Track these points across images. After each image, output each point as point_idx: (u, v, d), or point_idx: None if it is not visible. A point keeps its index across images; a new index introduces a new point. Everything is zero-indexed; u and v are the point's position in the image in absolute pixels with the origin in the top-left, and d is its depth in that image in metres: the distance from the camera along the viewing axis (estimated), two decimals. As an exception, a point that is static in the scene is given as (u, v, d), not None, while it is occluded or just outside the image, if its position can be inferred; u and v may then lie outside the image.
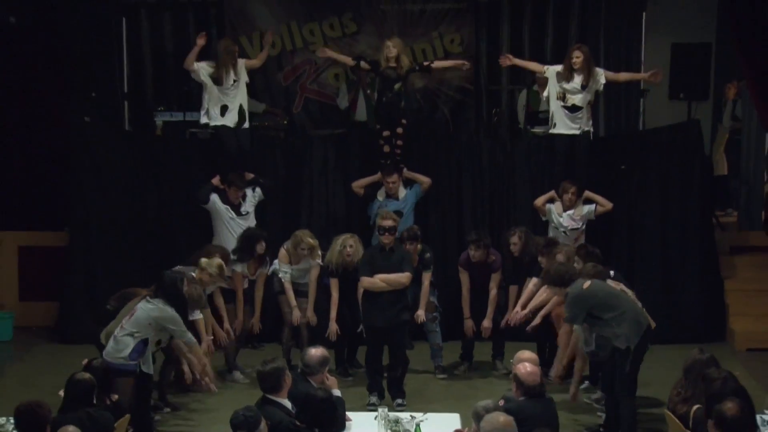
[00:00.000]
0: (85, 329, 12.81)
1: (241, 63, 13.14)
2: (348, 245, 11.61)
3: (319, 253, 11.85)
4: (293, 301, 11.86)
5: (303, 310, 11.88)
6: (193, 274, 10.71)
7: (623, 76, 13.47)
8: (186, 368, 10.14)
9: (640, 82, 14.56)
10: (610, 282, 10.07)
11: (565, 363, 10.44)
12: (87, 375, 7.99)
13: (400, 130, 13.06)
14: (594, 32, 15.19)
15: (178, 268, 11.01)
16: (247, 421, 7.08)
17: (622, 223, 13.52)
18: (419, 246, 11.65)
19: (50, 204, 14.26)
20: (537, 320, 11.37)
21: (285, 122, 15.29)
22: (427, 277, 11.70)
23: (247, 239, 11.88)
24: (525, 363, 7.82)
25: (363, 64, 13.40)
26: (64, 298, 13.69)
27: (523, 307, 11.54)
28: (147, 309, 9.53)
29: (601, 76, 12.87)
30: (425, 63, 13.71)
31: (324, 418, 7.63)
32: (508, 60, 13.36)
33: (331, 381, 8.53)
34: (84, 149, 13.54)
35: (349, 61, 13.70)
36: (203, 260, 10.88)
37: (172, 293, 9.72)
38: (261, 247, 11.77)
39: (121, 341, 9.37)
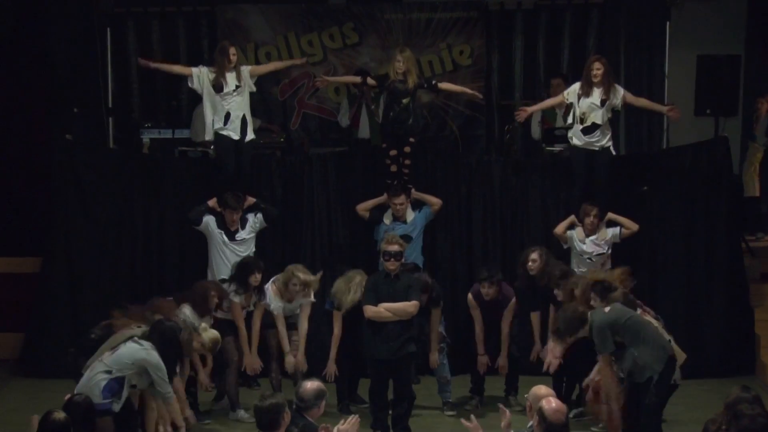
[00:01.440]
0: (56, 363, 12.86)
1: (245, 69, 13.04)
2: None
3: (315, 286, 11.78)
4: (286, 347, 11.78)
5: (293, 342, 11.85)
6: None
7: (642, 102, 13.43)
8: (150, 416, 10.18)
9: (664, 96, 14.59)
10: (639, 311, 10.15)
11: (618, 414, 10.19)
12: (62, 414, 7.95)
13: (408, 149, 13.01)
14: (614, 44, 15.23)
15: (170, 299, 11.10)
16: None
17: (643, 249, 13.46)
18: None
19: (24, 227, 14.25)
20: (556, 362, 11.33)
21: (282, 140, 15.32)
22: (436, 315, 11.70)
23: (240, 269, 11.86)
24: (551, 398, 7.72)
25: (369, 80, 13.39)
26: (32, 328, 13.61)
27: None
28: (133, 349, 9.51)
29: (621, 93, 12.89)
30: (433, 82, 13.66)
31: None
32: (524, 112, 13.34)
33: (348, 425, 8.13)
34: (66, 168, 13.51)
35: (355, 80, 13.71)
36: (203, 325, 10.93)
37: (168, 343, 9.73)
38: (255, 279, 11.70)
39: (94, 378, 9.36)
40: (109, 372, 9.36)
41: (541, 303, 11.88)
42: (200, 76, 12.86)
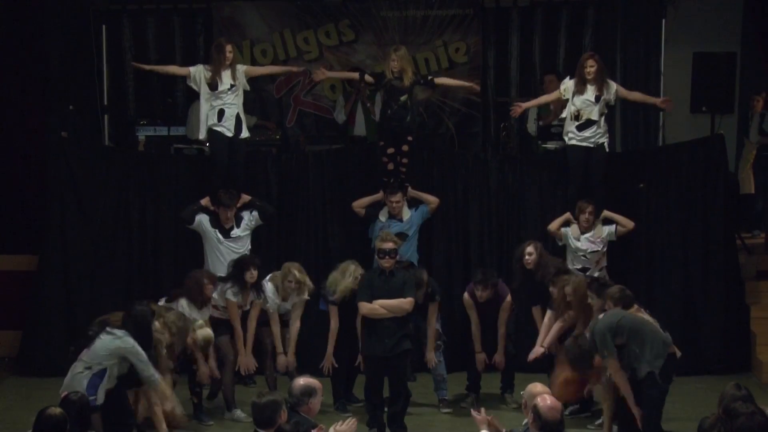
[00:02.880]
0: (53, 360, 12.86)
1: (241, 69, 12.99)
2: (360, 275, 11.57)
3: (309, 287, 11.79)
4: (280, 347, 11.79)
5: (287, 339, 11.85)
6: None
7: (635, 95, 13.42)
8: (141, 405, 10.20)
9: (660, 93, 14.59)
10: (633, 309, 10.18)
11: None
12: (58, 410, 7.92)
13: (405, 147, 13.01)
14: (610, 41, 15.22)
15: (162, 302, 11.15)
16: None
17: (639, 246, 13.45)
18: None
19: (20, 225, 14.23)
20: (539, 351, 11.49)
21: (277, 137, 15.30)
22: (433, 311, 11.70)
23: (236, 266, 11.85)
24: (546, 396, 7.71)
25: (367, 77, 13.35)
26: (28, 326, 13.61)
27: (542, 344, 11.58)
28: (106, 341, 9.59)
29: (614, 88, 12.91)
30: (429, 77, 13.61)
31: None
32: (519, 108, 13.35)
33: (344, 427, 8.22)
34: (61, 166, 13.49)
35: (353, 75, 13.67)
36: (199, 322, 10.95)
37: (140, 327, 9.75)
38: (251, 276, 11.69)
39: (76, 376, 9.46)
40: (89, 368, 9.45)
41: (541, 297, 11.85)
42: (197, 74, 12.84)
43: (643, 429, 9.77)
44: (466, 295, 12.02)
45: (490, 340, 12.02)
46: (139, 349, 9.64)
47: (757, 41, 14.39)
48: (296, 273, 11.68)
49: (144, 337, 9.80)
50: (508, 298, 11.96)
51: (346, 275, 11.54)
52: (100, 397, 9.58)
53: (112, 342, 9.52)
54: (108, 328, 9.65)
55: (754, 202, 15.76)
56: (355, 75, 13.58)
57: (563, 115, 13.10)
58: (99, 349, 9.53)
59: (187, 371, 11.48)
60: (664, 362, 9.71)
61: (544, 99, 13.56)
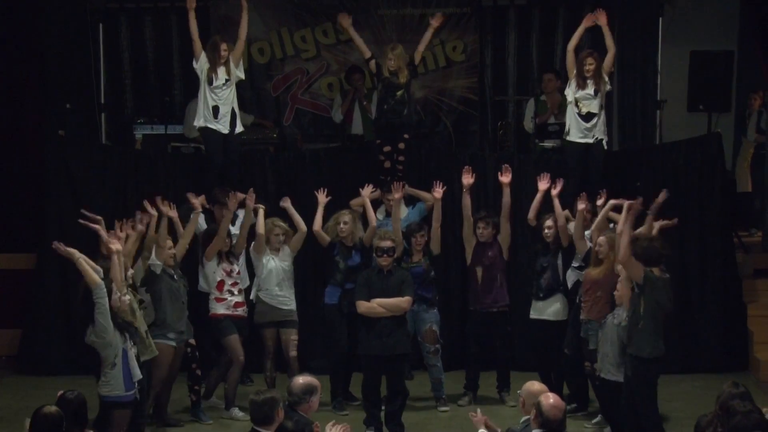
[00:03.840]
0: (53, 359, 12.86)
1: (232, 62, 12.98)
2: (342, 221, 11.80)
3: (299, 229, 11.96)
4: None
5: (290, 341, 11.87)
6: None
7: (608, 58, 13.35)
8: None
9: (657, 92, 14.63)
10: None
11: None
12: (54, 408, 7.89)
13: (402, 145, 13.08)
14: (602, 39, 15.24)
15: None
16: None
17: (637, 244, 13.49)
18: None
19: (19, 224, 14.23)
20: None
21: (274, 135, 15.28)
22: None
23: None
24: (549, 394, 7.74)
25: (372, 64, 13.35)
26: (27, 325, 13.64)
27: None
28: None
29: (606, 78, 13.03)
30: (415, 65, 13.46)
31: None
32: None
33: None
34: (59, 164, 13.51)
35: (366, 51, 13.55)
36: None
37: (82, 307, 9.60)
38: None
39: (109, 374, 9.33)
40: (112, 366, 9.31)
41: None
42: (201, 64, 12.93)
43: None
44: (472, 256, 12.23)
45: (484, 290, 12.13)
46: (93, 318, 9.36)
47: (754, 40, 14.40)
48: (281, 223, 11.92)
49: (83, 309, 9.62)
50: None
51: (330, 222, 11.91)
52: (136, 373, 9.52)
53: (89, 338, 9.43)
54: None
55: (752, 200, 15.77)
56: (368, 53, 13.47)
57: (565, 120, 13.16)
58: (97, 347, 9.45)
59: (186, 369, 11.51)
60: (656, 356, 9.69)
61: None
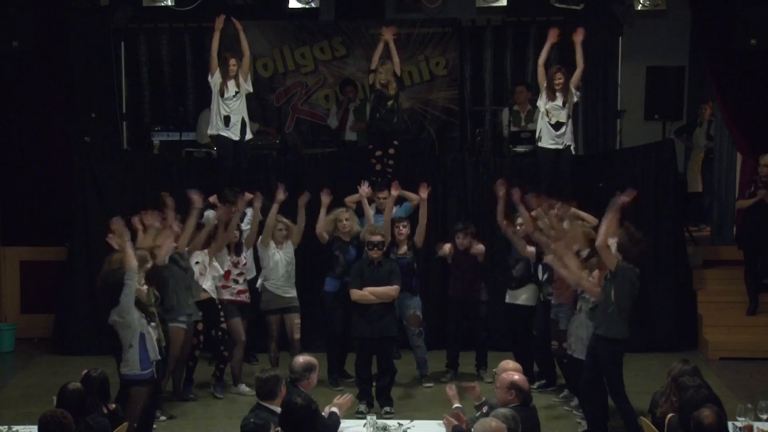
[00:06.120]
0: (82, 341, 12.88)
1: (241, 76, 13.04)
2: (344, 218, 11.83)
3: (299, 225, 11.94)
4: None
5: (294, 324, 11.87)
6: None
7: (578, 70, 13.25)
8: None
9: (617, 103, 14.69)
10: None
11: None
12: (78, 385, 7.91)
13: (392, 150, 13.21)
14: (573, 56, 15.22)
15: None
16: (257, 428, 7.11)
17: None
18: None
19: (51, 220, 14.25)
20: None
21: (277, 141, 15.33)
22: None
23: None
24: (514, 372, 7.84)
25: (372, 76, 13.32)
26: (61, 310, 13.69)
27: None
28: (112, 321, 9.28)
29: (574, 91, 13.06)
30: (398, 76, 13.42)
31: (304, 427, 7.07)
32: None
33: (342, 401, 8.27)
34: (84, 168, 13.53)
35: (375, 63, 13.30)
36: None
37: (107, 290, 9.34)
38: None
39: (127, 354, 9.22)
40: (130, 346, 9.18)
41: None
42: (215, 78, 12.97)
43: (615, 402, 9.78)
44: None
45: (465, 288, 12.11)
46: (118, 298, 9.11)
47: (703, 56, 14.43)
48: (283, 219, 11.88)
49: (109, 291, 9.28)
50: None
51: (331, 219, 11.90)
52: (155, 353, 9.38)
53: (111, 317, 9.23)
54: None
55: (702, 200, 15.82)
56: (376, 61, 13.29)
57: (536, 127, 13.18)
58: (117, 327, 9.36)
59: (212, 350, 11.59)
60: (622, 339, 9.69)
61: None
